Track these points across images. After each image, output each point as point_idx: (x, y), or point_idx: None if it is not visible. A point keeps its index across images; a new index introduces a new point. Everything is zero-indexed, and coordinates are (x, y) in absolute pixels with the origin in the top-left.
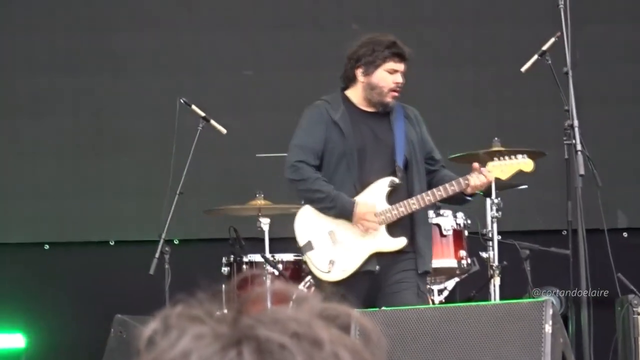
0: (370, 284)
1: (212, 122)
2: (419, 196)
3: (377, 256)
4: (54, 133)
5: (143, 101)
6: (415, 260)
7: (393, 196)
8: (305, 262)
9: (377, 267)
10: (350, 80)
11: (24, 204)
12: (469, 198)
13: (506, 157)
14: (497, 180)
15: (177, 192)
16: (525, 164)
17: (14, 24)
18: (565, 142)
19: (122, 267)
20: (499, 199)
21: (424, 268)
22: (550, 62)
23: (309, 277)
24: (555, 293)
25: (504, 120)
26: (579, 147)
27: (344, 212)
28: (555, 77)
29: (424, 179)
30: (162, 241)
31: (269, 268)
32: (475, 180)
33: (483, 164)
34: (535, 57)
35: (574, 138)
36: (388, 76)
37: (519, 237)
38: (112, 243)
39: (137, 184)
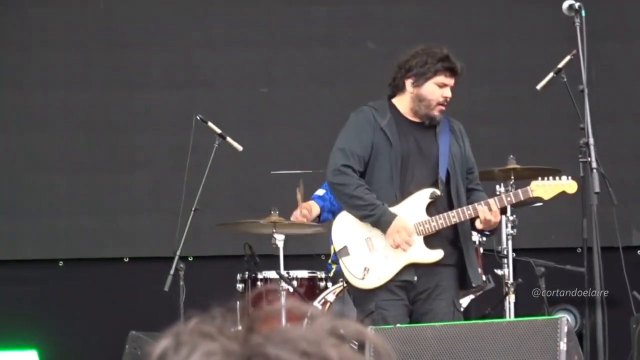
0: (407, 293)
1: (229, 139)
2: (459, 210)
3: (415, 267)
4: (68, 149)
5: (158, 117)
6: (455, 274)
7: (432, 208)
8: (320, 279)
9: (415, 278)
10: (398, 89)
11: (38, 220)
12: (487, 233)
13: (550, 178)
14: (539, 200)
15: (192, 208)
16: (569, 185)
17: (30, 40)
18: (580, 159)
19: (137, 283)
20: (514, 216)
21: (477, 282)
22: (565, 79)
23: (323, 294)
24: (569, 310)
25: (519, 138)
26: (594, 164)
27: (382, 222)
28: (570, 94)
29: (463, 193)
30: (177, 258)
31: (284, 285)
32: (492, 216)
33: (498, 181)
34: (551, 74)
35: (590, 156)
36: (437, 89)
37: (534, 255)
38: (126, 260)
39: (151, 200)
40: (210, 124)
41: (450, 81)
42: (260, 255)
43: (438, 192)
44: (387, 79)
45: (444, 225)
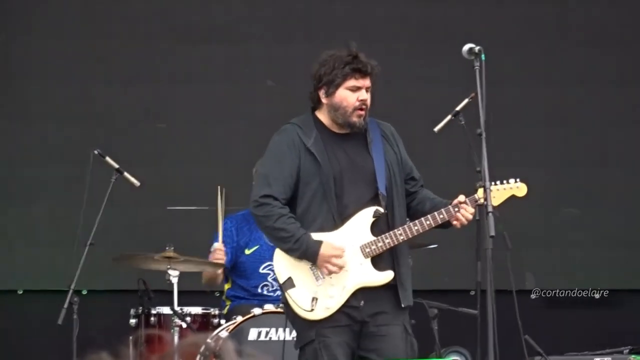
0: (352, 317)
1: (126, 174)
2: (406, 226)
3: (361, 290)
4: None
5: (55, 151)
6: (397, 294)
7: (374, 227)
8: (214, 316)
9: (362, 303)
10: (316, 102)
11: None
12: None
13: (498, 182)
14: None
15: (88, 242)
16: (518, 188)
17: None
18: (476, 203)
19: (30, 316)
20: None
21: (407, 302)
22: (463, 122)
23: (217, 331)
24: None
25: None
26: (490, 208)
27: (308, 254)
28: (468, 137)
29: (404, 204)
30: (71, 291)
31: (177, 321)
32: (466, 214)
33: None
34: (449, 117)
35: (486, 199)
36: (351, 94)
37: (427, 296)
38: (20, 292)
39: (47, 233)
40: (107, 158)
41: (364, 82)
42: (154, 290)
43: (381, 209)
44: (286, 117)
45: (392, 245)
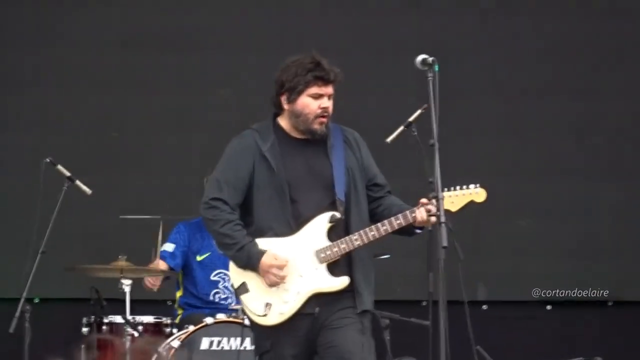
0: (309, 326)
1: (78, 182)
2: (362, 232)
3: (316, 297)
4: None
5: (7, 158)
6: (354, 299)
7: (332, 233)
8: (166, 325)
9: (317, 309)
10: (277, 108)
11: None
12: (418, 231)
13: (457, 187)
14: (447, 212)
15: (40, 251)
16: (477, 194)
17: None
18: (429, 214)
19: None
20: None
21: (362, 307)
22: (416, 133)
23: (168, 340)
24: None
25: None
26: (442, 219)
27: (250, 263)
28: (421, 148)
29: (364, 210)
30: (23, 299)
31: (129, 329)
32: (423, 214)
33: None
34: (401, 128)
35: (438, 210)
36: (312, 102)
37: (379, 307)
38: None
39: None
40: (59, 167)
41: (326, 90)
42: (107, 299)
43: (338, 214)
44: (241, 126)
45: (347, 250)
